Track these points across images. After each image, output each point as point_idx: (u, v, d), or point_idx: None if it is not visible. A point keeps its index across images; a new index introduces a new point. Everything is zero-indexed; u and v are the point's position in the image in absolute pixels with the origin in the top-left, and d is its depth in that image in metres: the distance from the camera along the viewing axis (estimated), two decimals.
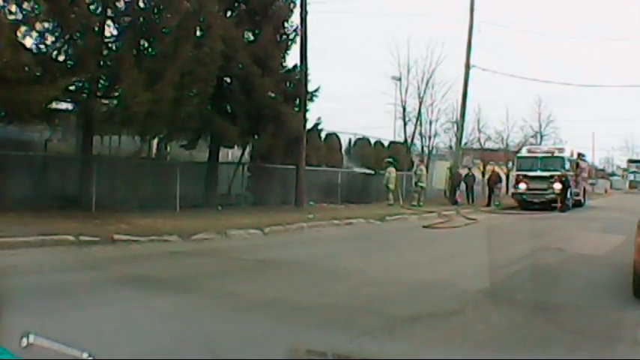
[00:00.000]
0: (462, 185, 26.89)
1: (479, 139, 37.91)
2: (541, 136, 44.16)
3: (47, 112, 12.78)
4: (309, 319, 5.42)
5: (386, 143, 27.72)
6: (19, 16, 11.93)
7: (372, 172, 23.96)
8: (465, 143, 32.14)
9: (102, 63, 13.56)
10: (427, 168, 27.36)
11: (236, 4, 17.26)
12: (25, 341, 1.77)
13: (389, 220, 17.25)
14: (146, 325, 4.88)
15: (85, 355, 1.79)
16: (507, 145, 39.78)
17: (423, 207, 21.82)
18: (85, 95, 13.80)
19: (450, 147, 32.08)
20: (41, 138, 15.30)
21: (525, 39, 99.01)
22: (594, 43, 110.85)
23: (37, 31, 12.40)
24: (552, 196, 24.23)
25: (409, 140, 30.28)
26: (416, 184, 23.97)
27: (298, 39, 18.30)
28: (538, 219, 19.71)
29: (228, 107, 17.04)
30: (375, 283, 7.27)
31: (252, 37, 17.29)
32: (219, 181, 17.99)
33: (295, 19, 18.26)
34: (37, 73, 12.10)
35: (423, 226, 16.11)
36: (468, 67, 27.70)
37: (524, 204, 24.62)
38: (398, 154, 26.04)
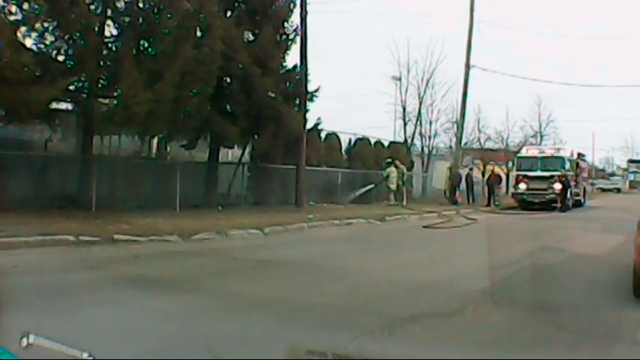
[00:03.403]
0: (462, 185, 26.89)
1: (479, 139, 37.90)
2: (541, 136, 44.16)
3: (47, 112, 12.78)
4: (309, 319, 5.42)
5: (386, 143, 27.72)
6: (19, 16, 11.93)
7: (373, 185, 24.02)
8: (465, 143, 32.13)
9: (102, 63, 13.56)
10: (410, 167, 27.21)
11: (236, 4, 17.26)
12: (25, 341, 1.77)
13: (389, 220, 17.25)
14: (146, 325, 4.88)
15: (85, 355, 1.79)
16: (507, 145, 39.75)
17: (406, 207, 21.69)
18: (85, 95, 13.79)
19: (450, 147, 32.06)
20: (41, 138, 15.29)
21: (525, 39, 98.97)
22: (594, 43, 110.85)
23: (37, 31, 12.39)
24: (552, 196, 24.24)
25: (409, 140, 30.29)
26: (404, 183, 23.98)
27: (298, 39, 18.29)
28: (538, 219, 19.71)
29: (228, 107, 17.02)
30: (375, 283, 7.28)
31: (252, 37, 17.27)
32: (219, 181, 17.98)
33: (295, 19, 18.28)
34: (37, 73, 12.10)
35: (423, 226, 16.11)
36: (468, 67, 27.71)
37: (524, 204, 24.63)
38: (398, 154, 26.04)
